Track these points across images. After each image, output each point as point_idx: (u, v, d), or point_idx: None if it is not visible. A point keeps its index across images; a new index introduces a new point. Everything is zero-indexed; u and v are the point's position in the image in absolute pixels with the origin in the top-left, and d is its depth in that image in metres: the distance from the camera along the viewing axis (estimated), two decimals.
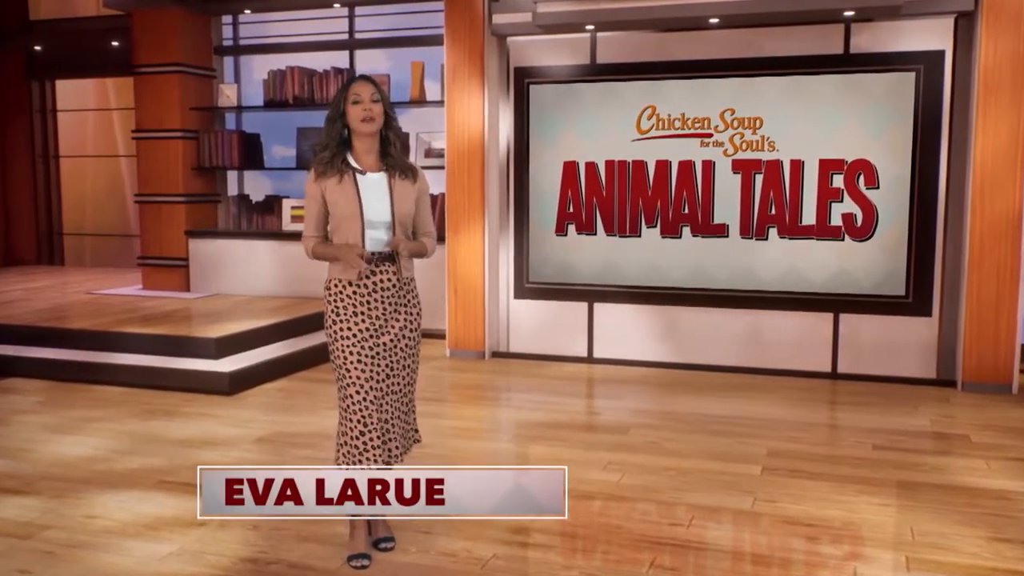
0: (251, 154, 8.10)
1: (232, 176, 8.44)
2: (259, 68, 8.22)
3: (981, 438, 4.77)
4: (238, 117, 8.37)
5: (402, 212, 3.20)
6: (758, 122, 6.06)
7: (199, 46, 8.12)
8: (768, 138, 6.05)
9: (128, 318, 6.72)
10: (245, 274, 7.91)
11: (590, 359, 6.63)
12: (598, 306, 6.60)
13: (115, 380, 5.91)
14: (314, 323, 6.82)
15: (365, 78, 3.21)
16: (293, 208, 7.84)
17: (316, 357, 6.46)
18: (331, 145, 3.19)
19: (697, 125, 6.18)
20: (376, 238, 3.18)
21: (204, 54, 8.18)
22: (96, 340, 6.21)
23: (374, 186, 3.18)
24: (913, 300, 5.93)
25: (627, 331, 6.53)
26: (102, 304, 7.41)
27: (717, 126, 6.14)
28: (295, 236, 7.58)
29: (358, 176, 3.18)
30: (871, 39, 5.88)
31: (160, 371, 5.84)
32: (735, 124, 6.10)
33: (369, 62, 7.85)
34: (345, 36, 7.93)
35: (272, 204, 8.05)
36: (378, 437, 3.18)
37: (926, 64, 5.77)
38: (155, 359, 5.96)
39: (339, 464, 3.21)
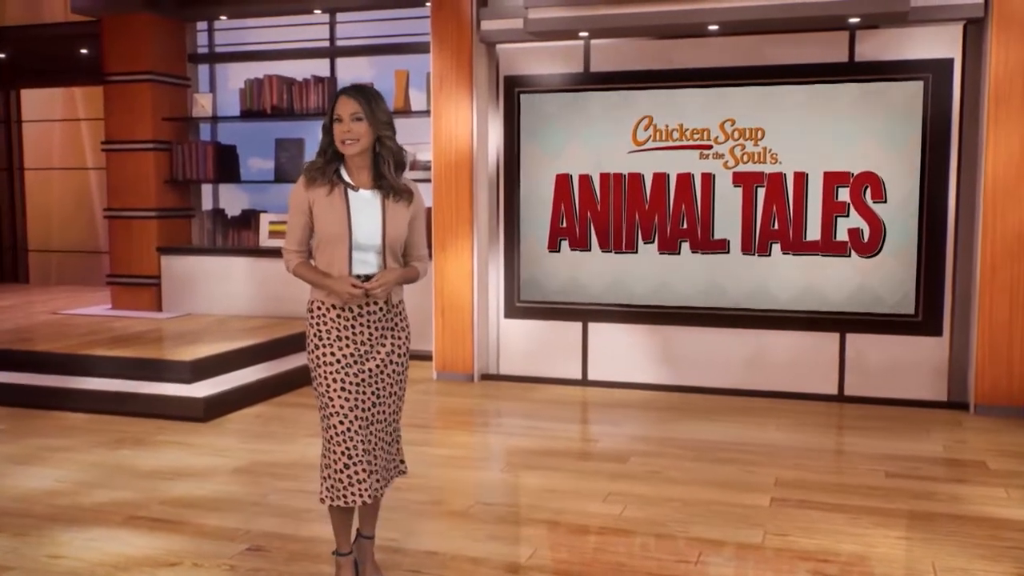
0: (227, 167, 7.99)
1: (207, 190, 8.33)
2: (235, 77, 8.12)
3: (999, 464, 4.69)
4: (213, 128, 8.26)
5: (393, 237, 3.08)
6: (760, 133, 6.01)
7: (172, 53, 8.02)
8: (770, 150, 5.99)
9: (96, 340, 6.59)
10: (220, 293, 7.80)
11: (584, 382, 6.53)
12: (592, 326, 6.51)
13: (82, 406, 5.77)
14: (294, 344, 6.73)
15: (351, 93, 3.01)
16: (271, 223, 7.73)
17: (296, 380, 6.35)
18: (326, 153, 3.07)
19: (696, 136, 6.12)
20: (364, 260, 3.05)
21: (178, 62, 8.08)
22: (62, 363, 6.08)
23: (366, 205, 3.05)
24: (923, 319, 5.87)
25: (623, 352, 6.44)
26: (68, 325, 7.28)
27: (717, 137, 6.08)
28: (273, 253, 7.49)
29: (349, 192, 3.06)
30: (877, 47, 5.84)
31: (130, 396, 5.72)
32: (736, 135, 6.04)
33: (351, 71, 7.77)
34: (326, 43, 7.84)
35: (249, 219, 7.94)
36: (364, 470, 3.06)
37: (934, 73, 5.73)
38: (125, 383, 5.83)
39: (323, 500, 3.09)
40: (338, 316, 3.06)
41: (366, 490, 3.05)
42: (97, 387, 5.83)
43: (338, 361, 3.04)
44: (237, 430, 5.43)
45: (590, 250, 6.41)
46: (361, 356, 3.07)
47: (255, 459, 4.82)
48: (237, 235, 7.97)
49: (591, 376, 6.53)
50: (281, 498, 4.21)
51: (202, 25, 8.23)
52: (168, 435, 5.27)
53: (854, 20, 5.66)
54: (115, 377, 5.91)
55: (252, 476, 4.54)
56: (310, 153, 7.72)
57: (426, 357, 6.81)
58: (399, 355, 3.16)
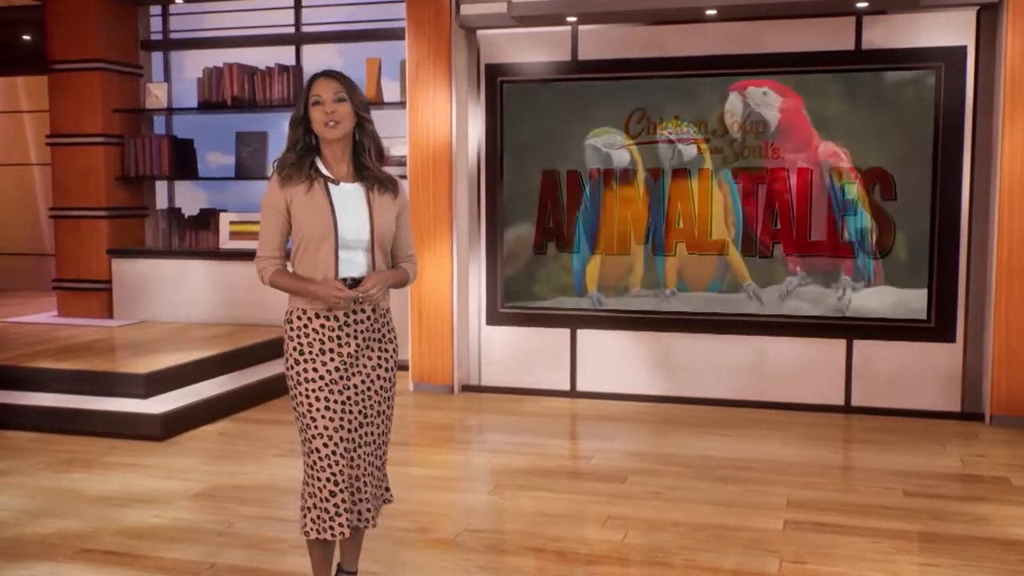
0: (183, 162, 7.81)
1: (162, 187, 8.14)
2: (192, 65, 7.93)
3: (1022, 480, 4.60)
4: (168, 120, 8.08)
5: (382, 231, 2.93)
6: (761, 126, 5.90)
7: (123, 40, 7.82)
8: (772, 144, 5.88)
9: (41, 351, 6.41)
10: (177, 298, 7.61)
11: (573, 393, 6.40)
12: (581, 333, 6.37)
13: (25, 424, 5.58)
14: (259, 354, 6.58)
15: (328, 74, 2.92)
16: (232, 223, 7.53)
17: (262, 393, 6.19)
18: (296, 147, 2.91)
19: (692, 129, 5.99)
20: (351, 261, 2.90)
21: (129, 49, 7.88)
22: (3, 377, 5.89)
23: (349, 199, 2.91)
24: (935, 324, 5.79)
25: (615, 361, 6.31)
26: (10, 334, 7.09)
27: (715, 130, 5.96)
28: (234, 255, 7.33)
29: (330, 186, 2.90)
30: (885, 34, 5.76)
31: (79, 413, 5.53)
32: (735, 128, 5.93)
33: (319, 58, 7.58)
34: (291, 29, 7.67)
35: (208, 219, 7.75)
36: (351, 498, 2.89)
37: (946, 62, 5.65)
38: (73, 399, 5.65)
39: (305, 532, 2.91)
40: (321, 326, 2.89)
41: (353, 520, 2.89)
42: (42, 403, 5.64)
43: (321, 378, 2.88)
44: (198, 449, 5.23)
45: (579, 252, 6.28)
46: (346, 370, 2.91)
47: (219, 482, 4.63)
48: (195, 236, 7.78)
49: (580, 387, 6.39)
50: (249, 526, 4.02)
51: (156, 9, 8.03)
52: (121, 456, 5.07)
53: (861, 5, 5.57)
54: (62, 392, 5.73)
55: (216, 501, 4.35)
56: (274, 147, 7.57)
57: (402, 367, 6.62)
58: (386, 369, 3.00)
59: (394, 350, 3.05)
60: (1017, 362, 5.53)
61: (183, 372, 5.96)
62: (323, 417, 2.88)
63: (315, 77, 2.92)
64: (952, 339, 5.79)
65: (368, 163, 2.95)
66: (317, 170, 2.92)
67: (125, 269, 7.76)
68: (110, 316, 7.78)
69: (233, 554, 3.72)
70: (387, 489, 3.15)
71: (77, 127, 7.70)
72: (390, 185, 2.98)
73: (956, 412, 5.80)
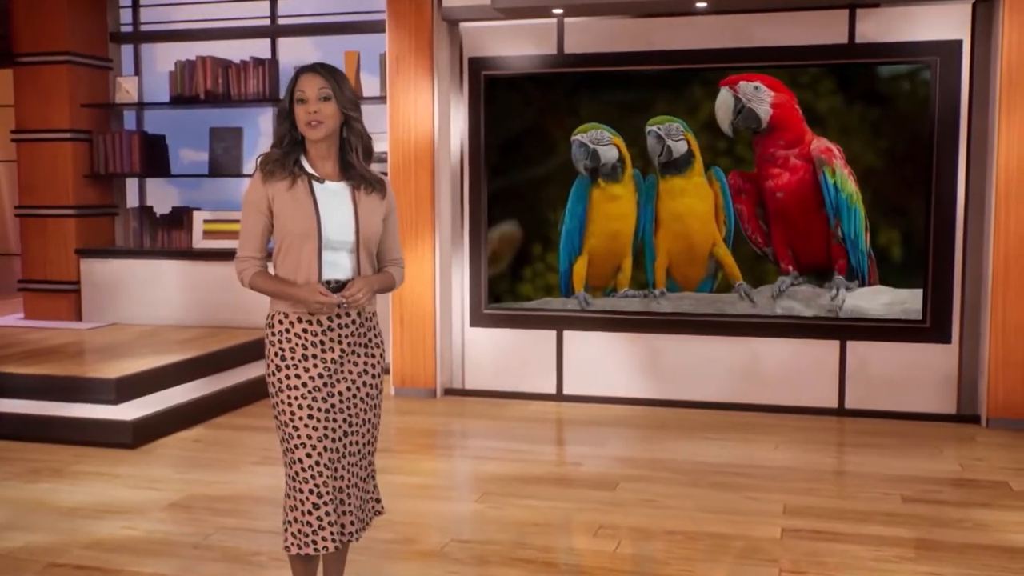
0: (155, 159, 7.71)
1: (132, 185, 8.05)
2: (164, 58, 7.83)
3: (1022, 485, 4.58)
4: (139, 115, 7.98)
5: (368, 232, 2.86)
6: (752, 121, 5.85)
7: (92, 32, 7.73)
8: (764, 139, 5.84)
9: (7, 355, 6.31)
10: (149, 300, 7.52)
11: (559, 396, 6.35)
12: (568, 334, 6.32)
13: None
14: (234, 357, 6.50)
15: (316, 69, 2.81)
16: (206, 222, 7.44)
17: (238, 398, 6.11)
18: (281, 144, 2.83)
19: (682, 125, 5.94)
20: (335, 263, 2.82)
21: (98, 41, 7.78)
22: None
23: (334, 198, 2.83)
24: (930, 325, 5.77)
25: (602, 363, 6.27)
26: None
27: (706, 125, 5.91)
28: (208, 255, 7.24)
29: (315, 184, 2.82)
30: (879, 27, 5.74)
31: (47, 420, 5.44)
32: (726, 123, 5.88)
33: (295, 52, 7.52)
34: (267, 21, 7.59)
35: (180, 217, 7.66)
36: (335, 510, 2.83)
37: (941, 56, 5.63)
38: (40, 405, 5.57)
39: (287, 547, 2.83)
40: (304, 330, 2.81)
41: (337, 534, 2.82)
42: (8, 409, 5.55)
43: (304, 385, 2.80)
44: (172, 457, 5.15)
45: (565, 251, 6.22)
46: (331, 377, 2.84)
47: (194, 492, 4.54)
48: (167, 235, 7.68)
49: (567, 390, 6.34)
50: (226, 538, 3.93)
51: (125, 0, 7.92)
52: (91, 464, 4.98)
53: None
54: (29, 398, 5.65)
55: (191, 512, 4.26)
56: (249, 144, 7.49)
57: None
58: (373, 375, 2.93)
59: (381, 356, 2.98)
60: (1014, 363, 5.51)
61: (155, 376, 5.88)
62: (306, 426, 2.80)
63: (301, 71, 2.83)
64: (948, 340, 5.78)
65: (354, 162, 2.88)
66: (301, 167, 2.84)
67: (94, 270, 7.66)
68: (79, 318, 7.69)
69: (210, 568, 3.64)
70: (377, 500, 3.09)
71: (44, 122, 7.59)
72: (377, 185, 2.91)
73: (952, 414, 5.79)
